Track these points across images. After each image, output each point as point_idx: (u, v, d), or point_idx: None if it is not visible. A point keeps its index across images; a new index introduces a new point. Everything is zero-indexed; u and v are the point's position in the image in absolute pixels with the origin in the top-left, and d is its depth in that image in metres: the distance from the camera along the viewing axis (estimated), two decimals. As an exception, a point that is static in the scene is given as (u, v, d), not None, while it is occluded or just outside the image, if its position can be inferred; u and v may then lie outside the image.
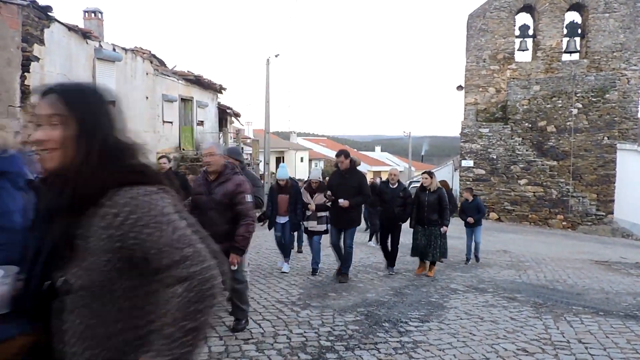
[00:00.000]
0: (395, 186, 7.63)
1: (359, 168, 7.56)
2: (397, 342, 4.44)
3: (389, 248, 7.77)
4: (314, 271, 7.38)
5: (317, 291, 6.32)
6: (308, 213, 7.25)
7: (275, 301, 5.66)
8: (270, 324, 4.82)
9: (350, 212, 6.71)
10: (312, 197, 7.26)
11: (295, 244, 9.18)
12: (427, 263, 7.72)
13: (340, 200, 6.61)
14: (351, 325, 4.88)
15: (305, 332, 4.61)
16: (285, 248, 7.72)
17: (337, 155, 7.00)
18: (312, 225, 7.25)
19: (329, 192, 6.86)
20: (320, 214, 7.19)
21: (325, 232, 7.23)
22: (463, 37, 22.91)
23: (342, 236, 6.94)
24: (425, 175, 7.70)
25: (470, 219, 8.80)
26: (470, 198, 9.11)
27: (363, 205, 8.14)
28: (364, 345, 4.31)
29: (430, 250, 7.46)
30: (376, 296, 6.18)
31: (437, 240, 7.47)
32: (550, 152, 19.63)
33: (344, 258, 7.06)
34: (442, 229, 7.49)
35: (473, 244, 9.00)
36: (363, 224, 9.50)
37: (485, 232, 9.82)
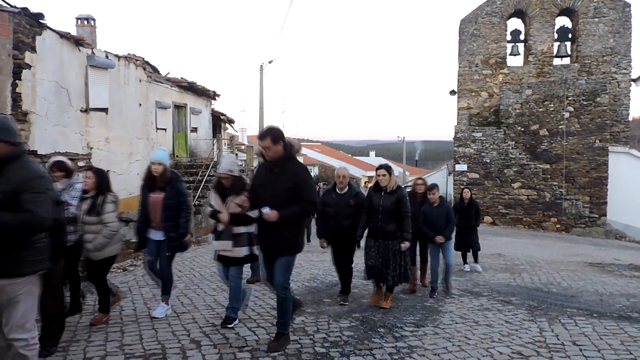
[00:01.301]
0: (344, 191, 5.96)
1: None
2: (393, 347, 4.43)
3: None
4: (228, 320, 4.90)
5: (312, 297, 6.29)
6: (219, 228, 4.81)
7: (270, 308, 5.64)
8: (265, 331, 4.80)
9: (282, 229, 4.12)
10: (224, 202, 4.79)
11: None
12: (384, 288, 5.92)
13: (265, 210, 4.02)
14: (346, 331, 4.86)
15: (300, 338, 4.59)
16: (166, 280, 5.27)
17: (261, 137, 4.21)
18: (225, 247, 4.78)
19: (242, 197, 4.48)
20: (237, 229, 4.74)
21: (250, 259, 4.92)
22: (455, 42, 23.08)
23: (276, 269, 4.22)
24: (382, 171, 5.68)
25: (439, 238, 6.51)
26: (437, 202, 6.69)
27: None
28: (359, 351, 4.30)
29: (388, 272, 5.63)
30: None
31: (397, 258, 5.62)
32: (543, 156, 19.74)
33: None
34: (401, 245, 5.56)
35: (441, 266, 6.73)
36: None
37: (479, 236, 9.21)
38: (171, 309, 5.41)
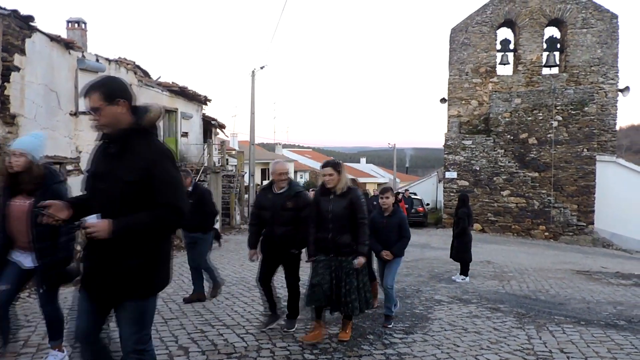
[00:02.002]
0: (281, 191, 4.85)
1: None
2: (382, 354, 4.42)
3: (274, 291, 5.09)
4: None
5: (301, 304, 6.26)
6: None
7: (259, 314, 5.61)
8: (254, 337, 4.77)
9: (124, 254, 2.48)
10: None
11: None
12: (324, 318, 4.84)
13: (91, 220, 2.43)
14: (336, 338, 4.84)
15: (289, 345, 4.57)
16: (52, 321, 3.79)
17: (85, 94, 2.53)
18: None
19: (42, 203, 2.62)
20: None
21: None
22: (446, 51, 23.30)
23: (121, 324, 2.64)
24: (328, 169, 4.55)
25: (386, 253, 5.26)
26: (390, 210, 5.41)
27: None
28: (348, 358, 4.29)
29: (344, 295, 4.45)
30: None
31: (352, 280, 4.47)
32: (532, 164, 19.93)
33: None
34: (354, 261, 4.47)
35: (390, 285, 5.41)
36: None
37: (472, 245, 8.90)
38: (68, 357, 3.88)
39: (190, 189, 5.95)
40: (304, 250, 4.86)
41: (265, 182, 9.45)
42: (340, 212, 4.48)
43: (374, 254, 5.50)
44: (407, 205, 19.33)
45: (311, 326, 4.87)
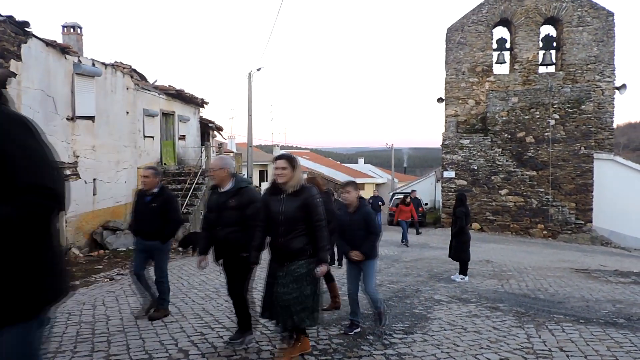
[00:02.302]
0: (226, 189, 4.41)
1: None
2: (382, 354, 4.42)
3: (249, 302, 4.57)
4: None
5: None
6: None
7: (259, 316, 5.60)
8: (254, 339, 4.77)
9: None
10: None
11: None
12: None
13: None
14: (335, 338, 4.85)
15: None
16: None
17: None
18: None
19: None
20: None
21: None
22: (442, 51, 23.34)
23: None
24: (282, 162, 3.94)
25: (355, 254, 4.89)
26: (354, 205, 5.02)
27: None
28: (348, 359, 4.29)
29: (294, 307, 3.87)
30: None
31: (304, 288, 3.89)
32: (530, 163, 19.97)
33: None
34: (317, 270, 3.89)
35: (364, 293, 5.10)
36: None
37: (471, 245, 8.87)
38: None
39: (155, 190, 5.36)
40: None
41: (263, 184, 9.13)
42: (293, 213, 3.89)
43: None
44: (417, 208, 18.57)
45: (284, 342, 4.28)
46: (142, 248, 5.42)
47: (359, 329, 5.05)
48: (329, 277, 5.56)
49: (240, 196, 4.33)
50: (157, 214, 5.23)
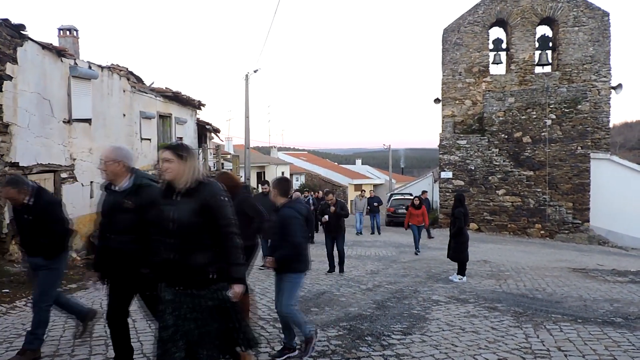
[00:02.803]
0: (124, 186, 3.53)
1: None
2: (380, 355, 4.42)
3: (129, 334, 3.77)
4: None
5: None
6: None
7: (257, 318, 5.60)
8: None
9: None
10: None
11: None
12: None
13: None
14: (334, 340, 4.85)
15: (287, 348, 4.56)
16: None
17: None
18: None
19: None
20: None
21: None
22: (439, 51, 23.38)
23: None
24: (168, 153, 3.04)
25: (268, 260, 4.31)
26: (281, 202, 4.42)
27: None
28: (346, 361, 4.29)
29: (201, 347, 2.96)
30: (358, 310, 6.16)
31: (217, 318, 3.00)
32: (527, 163, 20.00)
33: None
34: (229, 293, 2.99)
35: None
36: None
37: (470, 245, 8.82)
38: None
39: (29, 201, 4.26)
40: None
41: (261, 187, 8.86)
42: (188, 219, 2.93)
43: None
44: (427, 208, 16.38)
45: None
46: (30, 266, 4.42)
47: (295, 352, 4.33)
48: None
49: (139, 196, 3.42)
50: (37, 226, 4.24)
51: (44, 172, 10.05)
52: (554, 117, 19.72)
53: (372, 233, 17.86)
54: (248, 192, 5.19)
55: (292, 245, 4.22)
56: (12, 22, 9.10)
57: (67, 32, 13.62)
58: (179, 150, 3.05)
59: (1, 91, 8.87)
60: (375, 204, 18.35)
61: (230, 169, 22.35)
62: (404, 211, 19.16)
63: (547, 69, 22.88)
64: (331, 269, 9.06)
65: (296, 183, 43.31)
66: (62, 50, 11.03)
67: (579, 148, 19.54)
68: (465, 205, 9.05)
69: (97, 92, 12.42)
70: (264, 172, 39.03)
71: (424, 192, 19.22)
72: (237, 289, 3.00)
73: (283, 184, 4.54)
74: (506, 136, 20.27)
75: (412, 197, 15.08)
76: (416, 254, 12.24)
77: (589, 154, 19.64)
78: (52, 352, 4.44)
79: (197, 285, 2.95)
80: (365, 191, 20.44)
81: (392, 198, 26.31)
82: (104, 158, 3.55)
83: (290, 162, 48.02)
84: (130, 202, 3.43)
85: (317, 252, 10.89)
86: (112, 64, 14.79)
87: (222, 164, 23.27)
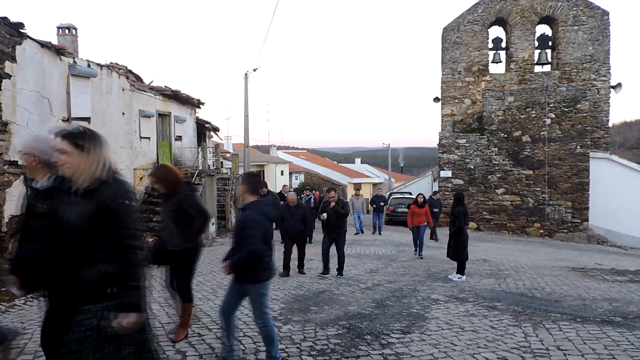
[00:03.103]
0: (42, 183, 2.94)
1: None
2: (379, 354, 4.42)
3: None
4: None
5: (298, 305, 6.27)
6: None
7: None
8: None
9: None
10: None
11: None
12: None
13: None
14: (333, 339, 4.85)
15: (287, 347, 4.57)
16: None
17: None
18: None
19: None
20: None
21: None
22: (438, 50, 23.38)
23: None
24: (64, 144, 2.43)
25: (224, 266, 3.95)
26: (248, 201, 3.97)
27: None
28: (346, 359, 4.29)
29: None
30: (358, 309, 6.16)
31: (97, 353, 2.35)
32: (526, 162, 20.01)
33: None
34: (114, 323, 2.35)
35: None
36: None
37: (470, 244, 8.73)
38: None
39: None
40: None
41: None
42: (81, 225, 2.38)
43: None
44: (436, 210, 16.08)
45: None
46: None
47: None
48: (187, 295, 4.60)
49: (53, 198, 2.69)
50: None
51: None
52: (553, 116, 19.73)
53: (374, 232, 17.78)
54: (190, 189, 4.77)
55: (247, 252, 3.78)
56: (11, 21, 9.08)
57: (66, 31, 13.60)
58: (78, 139, 2.45)
59: (0, 89, 8.85)
60: (382, 203, 18.22)
61: (230, 168, 22.32)
62: (404, 210, 19.16)
63: (547, 68, 22.90)
64: (325, 271, 8.54)
65: (295, 182, 43.32)
66: (61, 49, 11.01)
67: (578, 147, 19.56)
68: (465, 204, 9.05)
69: (96, 91, 12.41)
70: (263, 171, 39.03)
71: (435, 192, 18.04)
72: (128, 318, 2.35)
73: (252, 180, 4.04)
74: (505, 135, 20.28)
75: (413, 196, 14.38)
76: (420, 257, 11.33)
77: (588, 153, 19.66)
78: (51, 350, 4.42)
79: (88, 302, 2.37)
80: (360, 190, 20.48)
81: (391, 197, 26.32)
82: (22, 149, 3.01)
83: (289, 161, 48.01)
84: (44, 203, 2.81)
85: (317, 251, 10.89)
86: (111, 63, 14.77)
87: (222, 162, 23.25)
